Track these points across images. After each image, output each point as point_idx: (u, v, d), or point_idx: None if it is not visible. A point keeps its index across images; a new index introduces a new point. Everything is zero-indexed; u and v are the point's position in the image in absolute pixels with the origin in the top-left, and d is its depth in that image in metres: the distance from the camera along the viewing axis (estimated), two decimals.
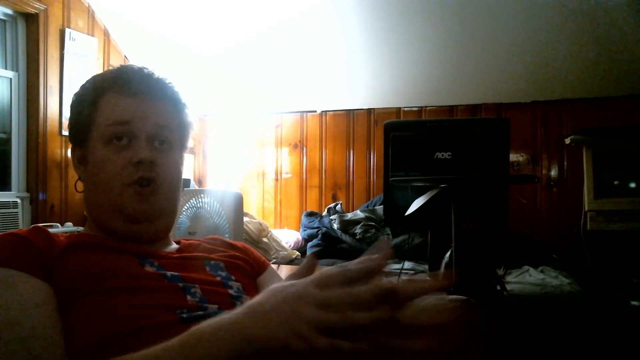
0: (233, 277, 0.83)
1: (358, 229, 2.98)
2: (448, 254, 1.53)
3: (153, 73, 0.85)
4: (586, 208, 2.64)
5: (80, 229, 2.77)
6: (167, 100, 0.85)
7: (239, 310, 0.50)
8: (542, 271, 2.43)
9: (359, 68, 3.30)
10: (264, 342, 0.45)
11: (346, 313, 0.44)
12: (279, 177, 3.82)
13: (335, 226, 3.08)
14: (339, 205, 3.43)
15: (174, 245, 0.90)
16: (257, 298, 0.50)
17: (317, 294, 0.46)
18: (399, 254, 2.73)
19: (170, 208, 0.85)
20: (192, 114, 0.91)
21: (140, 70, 0.85)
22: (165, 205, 0.83)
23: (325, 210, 3.41)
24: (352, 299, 0.45)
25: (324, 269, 0.50)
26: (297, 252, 3.05)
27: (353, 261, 0.50)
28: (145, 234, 0.81)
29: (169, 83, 0.87)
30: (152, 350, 0.50)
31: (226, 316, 0.49)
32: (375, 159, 3.56)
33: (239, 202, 1.64)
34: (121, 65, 0.87)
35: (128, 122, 0.79)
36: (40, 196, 2.91)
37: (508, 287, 1.94)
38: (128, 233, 0.79)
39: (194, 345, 0.48)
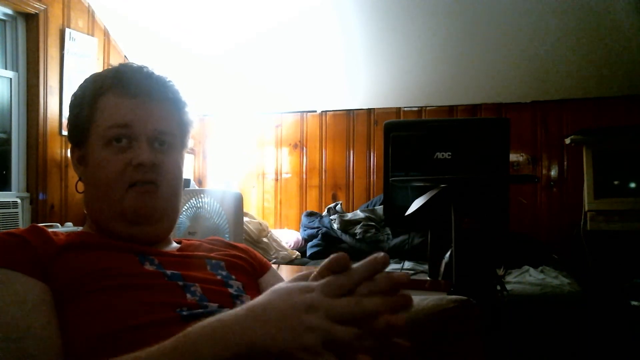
0: (233, 277, 0.82)
1: (358, 229, 2.98)
2: (448, 254, 1.53)
3: (153, 72, 0.83)
4: (586, 208, 2.64)
5: (80, 228, 2.77)
6: (168, 101, 0.83)
7: (240, 310, 0.49)
8: (542, 271, 2.43)
9: (359, 68, 3.30)
10: (267, 348, 0.45)
11: (356, 330, 0.45)
12: (279, 177, 3.82)
13: (335, 226, 3.08)
14: (339, 205, 3.43)
15: (175, 245, 0.89)
16: (261, 299, 0.49)
17: (328, 304, 0.46)
18: (399, 254, 2.73)
19: (172, 209, 0.84)
20: (193, 112, 0.89)
21: (140, 69, 0.82)
22: (167, 207, 0.82)
23: (325, 210, 3.41)
24: (362, 312, 0.45)
25: (332, 277, 0.49)
26: (297, 252, 3.05)
27: (357, 264, 0.50)
28: (146, 236, 0.80)
29: (169, 82, 0.85)
30: (148, 350, 0.50)
31: (225, 317, 0.49)
32: (375, 159, 3.56)
33: (239, 202, 1.63)
34: (120, 64, 0.84)
35: (128, 125, 0.77)
36: (40, 196, 2.91)
37: (508, 287, 1.94)
38: (129, 235, 0.79)
39: (192, 345, 0.47)
